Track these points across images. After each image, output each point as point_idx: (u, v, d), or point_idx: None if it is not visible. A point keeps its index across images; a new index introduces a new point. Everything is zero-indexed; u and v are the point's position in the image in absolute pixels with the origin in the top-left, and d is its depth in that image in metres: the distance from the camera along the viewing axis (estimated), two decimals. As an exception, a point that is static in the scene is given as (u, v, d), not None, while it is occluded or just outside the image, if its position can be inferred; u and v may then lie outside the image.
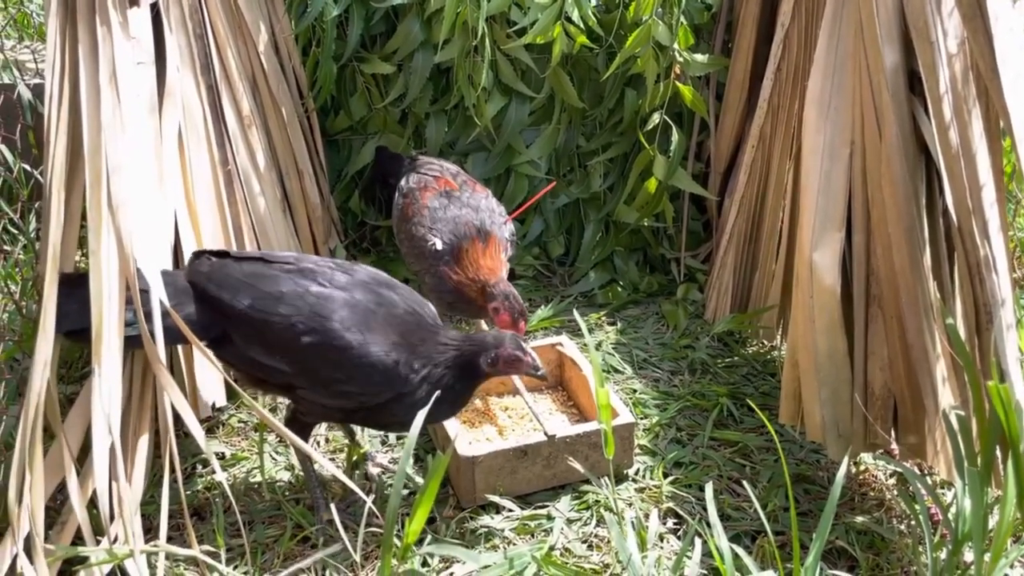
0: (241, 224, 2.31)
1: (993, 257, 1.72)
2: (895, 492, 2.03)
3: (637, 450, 2.16)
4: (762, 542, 1.87)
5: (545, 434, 2.00)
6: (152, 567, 1.66)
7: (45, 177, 1.93)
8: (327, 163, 2.82)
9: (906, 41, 1.83)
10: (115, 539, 1.62)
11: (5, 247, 2.76)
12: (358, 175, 2.91)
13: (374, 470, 2.08)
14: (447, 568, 1.82)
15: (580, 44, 2.67)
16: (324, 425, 2.24)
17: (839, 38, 1.92)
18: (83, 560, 1.61)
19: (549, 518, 1.95)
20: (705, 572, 1.79)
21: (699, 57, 2.71)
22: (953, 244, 1.82)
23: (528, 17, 2.66)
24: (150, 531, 1.84)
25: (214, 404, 2.06)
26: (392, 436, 2.23)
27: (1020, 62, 1.72)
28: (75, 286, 1.79)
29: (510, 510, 1.96)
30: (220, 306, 1.81)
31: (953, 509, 1.66)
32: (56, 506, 1.82)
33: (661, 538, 1.92)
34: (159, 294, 1.77)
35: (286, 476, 2.08)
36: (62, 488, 1.69)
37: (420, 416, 1.61)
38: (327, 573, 1.80)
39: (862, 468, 2.12)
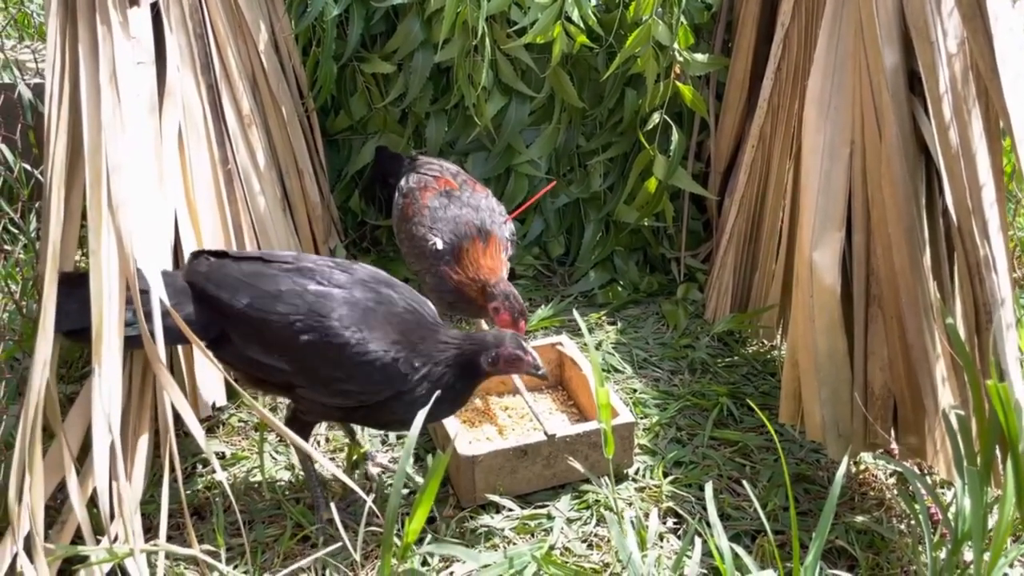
0: (241, 223, 2.31)
1: (993, 257, 1.73)
2: (895, 492, 2.03)
3: (637, 450, 2.16)
4: (762, 541, 1.87)
5: (545, 434, 2.00)
6: (152, 566, 1.66)
7: (45, 176, 1.93)
8: (327, 162, 2.82)
9: (906, 41, 1.83)
10: (115, 538, 1.62)
11: (6, 247, 2.76)
12: (358, 175, 2.91)
13: (374, 469, 2.08)
14: (447, 567, 1.82)
15: (580, 44, 2.67)
16: (324, 425, 2.24)
17: (839, 38, 1.92)
18: (83, 559, 1.61)
19: (549, 517, 1.96)
20: (705, 571, 1.79)
21: (699, 57, 2.71)
22: (953, 244, 1.82)
23: (528, 17, 2.66)
24: (150, 530, 1.84)
25: (214, 404, 2.06)
26: (392, 436, 2.24)
27: (1020, 62, 1.72)
28: (75, 285, 1.79)
29: (510, 509, 1.96)
30: (219, 306, 1.81)
31: (953, 508, 1.66)
32: (56, 505, 1.82)
33: (661, 537, 1.92)
34: (159, 294, 1.77)
35: (286, 475, 2.08)
36: (62, 487, 1.69)
37: (420, 415, 1.61)
38: (327, 572, 1.80)
39: (862, 468, 2.12)
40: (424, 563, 1.84)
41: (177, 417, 1.70)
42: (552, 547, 1.87)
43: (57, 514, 1.76)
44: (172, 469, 1.66)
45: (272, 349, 1.80)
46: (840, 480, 1.52)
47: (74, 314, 1.78)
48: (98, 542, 1.64)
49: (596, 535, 1.92)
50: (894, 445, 1.93)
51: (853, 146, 1.89)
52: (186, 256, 2.00)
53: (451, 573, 1.81)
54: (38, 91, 2.91)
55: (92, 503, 1.67)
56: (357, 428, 2.17)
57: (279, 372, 1.81)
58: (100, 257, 1.79)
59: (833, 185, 1.89)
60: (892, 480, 2.08)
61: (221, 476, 1.70)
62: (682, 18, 2.62)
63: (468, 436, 2.15)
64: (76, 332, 1.80)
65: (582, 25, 2.65)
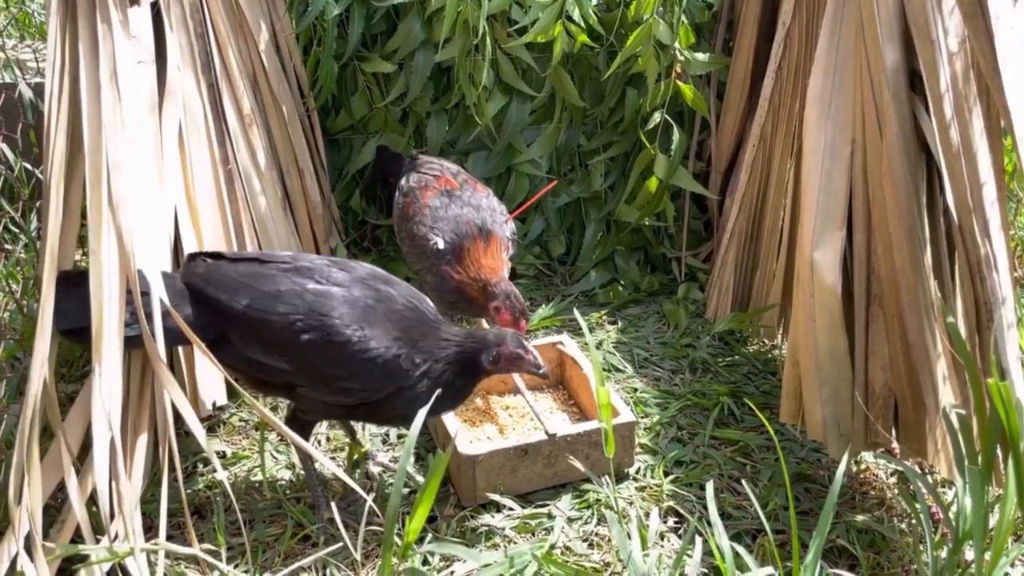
0: (242, 222, 2.31)
1: (994, 255, 1.72)
2: (896, 491, 2.03)
3: (638, 449, 2.16)
4: (762, 541, 1.87)
5: (546, 433, 2.00)
6: (152, 565, 1.66)
7: (45, 175, 1.93)
8: (328, 162, 2.82)
9: (907, 39, 1.83)
10: (115, 537, 1.62)
11: (6, 246, 2.76)
12: (359, 174, 2.91)
13: (375, 469, 2.08)
14: (448, 567, 1.82)
15: (581, 43, 2.67)
16: (325, 424, 2.24)
17: (840, 37, 1.91)
18: (83, 558, 1.61)
19: (550, 517, 1.95)
20: (705, 571, 1.79)
21: (700, 56, 2.71)
22: (954, 243, 1.81)
23: (529, 16, 2.66)
24: (151, 529, 1.84)
25: (215, 403, 2.06)
26: (393, 435, 2.23)
27: (1021, 60, 1.72)
28: (73, 284, 1.79)
29: (511, 509, 1.96)
30: (218, 307, 1.81)
31: (954, 508, 1.66)
32: (56, 504, 1.82)
33: (662, 537, 1.92)
34: (159, 293, 1.77)
35: (287, 475, 2.08)
36: (62, 486, 1.69)
37: (421, 414, 1.61)
38: (328, 571, 1.80)
39: (863, 467, 2.12)
40: (425, 562, 1.84)
41: (178, 416, 1.70)
42: (553, 546, 1.87)
43: (57, 513, 1.76)
44: (172, 468, 1.66)
45: (272, 349, 1.80)
46: (841, 479, 1.52)
47: (71, 313, 1.77)
48: (98, 541, 1.64)
49: (597, 534, 1.92)
50: (895, 444, 1.93)
51: (854, 145, 1.89)
52: (186, 255, 2.00)
53: (452, 572, 1.81)
54: (39, 90, 2.91)
55: (92, 502, 1.67)
56: (358, 427, 2.17)
57: (279, 372, 1.81)
58: (100, 256, 1.79)
59: (834, 184, 1.89)
60: (893, 479, 2.08)
61: (222, 475, 1.70)
62: (683, 17, 2.62)
63: (469, 435, 2.15)
64: (75, 331, 1.79)
65: (583, 24, 2.65)
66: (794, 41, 2.38)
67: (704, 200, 2.95)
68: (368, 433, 2.22)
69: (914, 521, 1.84)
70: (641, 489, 2.06)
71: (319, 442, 2.21)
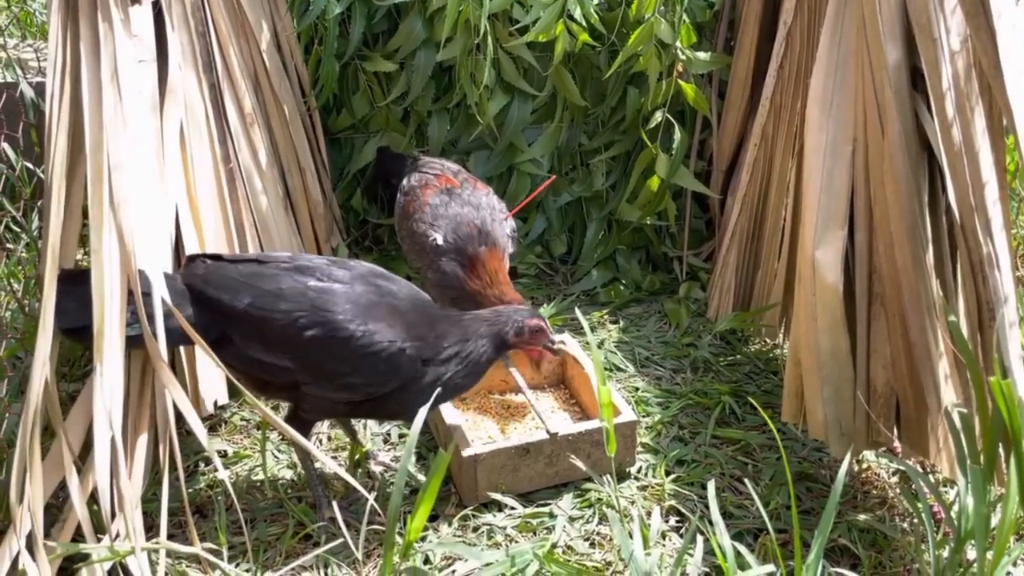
0: (243, 222, 2.31)
1: (996, 254, 1.72)
2: (897, 490, 2.02)
3: (639, 448, 2.16)
4: (764, 540, 1.87)
5: (547, 432, 2.00)
6: (153, 564, 1.66)
7: (46, 174, 1.93)
8: (329, 161, 2.82)
9: (909, 38, 1.83)
10: (116, 536, 1.62)
11: (8, 245, 2.77)
12: (360, 173, 2.91)
13: (376, 468, 2.08)
14: (449, 566, 1.82)
15: (582, 42, 2.67)
16: (326, 424, 2.24)
17: (842, 35, 1.91)
18: (85, 557, 1.61)
19: (551, 516, 1.95)
20: (707, 570, 1.79)
21: (701, 55, 2.71)
22: (955, 242, 1.81)
23: (530, 15, 2.66)
24: (152, 528, 1.84)
25: (216, 402, 2.06)
26: (394, 434, 2.23)
27: (1023, 59, 1.72)
28: (75, 283, 1.79)
29: (512, 508, 1.96)
30: (220, 307, 1.81)
31: (955, 507, 1.65)
32: (58, 503, 1.82)
33: (663, 536, 1.92)
34: (161, 292, 1.77)
35: (288, 474, 2.08)
36: (64, 485, 1.69)
37: (421, 413, 1.61)
38: (329, 570, 1.80)
39: (864, 466, 2.11)
40: (426, 561, 1.84)
41: (179, 415, 1.70)
42: (554, 545, 1.86)
43: (58, 512, 1.76)
44: (173, 467, 1.66)
45: (275, 347, 1.80)
46: (842, 478, 1.51)
47: (72, 312, 1.77)
48: (99, 540, 1.64)
49: (598, 533, 1.92)
50: (896, 443, 1.92)
51: (855, 144, 1.89)
52: (185, 257, 2.00)
53: (453, 571, 1.81)
54: (40, 90, 2.91)
55: (93, 501, 1.67)
56: (358, 427, 2.17)
57: (282, 371, 1.81)
58: (101, 255, 1.79)
59: (835, 183, 1.88)
60: (895, 478, 2.08)
61: (223, 474, 1.70)
62: (684, 16, 2.62)
63: (470, 435, 2.14)
64: (76, 330, 1.79)
65: (584, 23, 2.65)
66: (796, 40, 2.38)
67: (705, 199, 2.95)
68: (369, 433, 2.22)
69: (916, 520, 1.84)
70: (643, 488, 2.06)
71: (320, 442, 2.21)
